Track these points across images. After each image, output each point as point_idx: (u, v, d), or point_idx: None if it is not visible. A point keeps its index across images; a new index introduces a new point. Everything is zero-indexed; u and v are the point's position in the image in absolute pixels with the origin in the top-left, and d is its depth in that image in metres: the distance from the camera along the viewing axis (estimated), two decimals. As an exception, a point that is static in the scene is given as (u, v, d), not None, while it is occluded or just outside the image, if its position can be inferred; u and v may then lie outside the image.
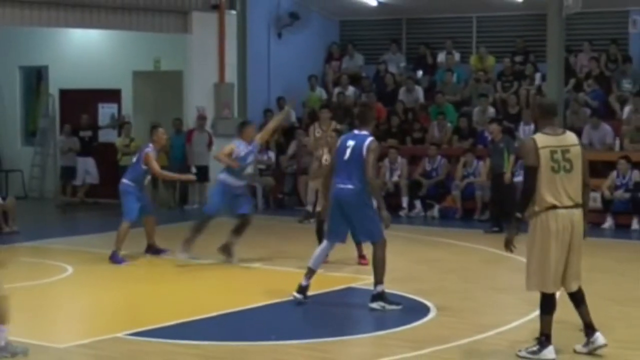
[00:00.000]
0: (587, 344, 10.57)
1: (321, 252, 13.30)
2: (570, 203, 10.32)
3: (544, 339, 10.39)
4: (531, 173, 10.39)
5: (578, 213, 10.39)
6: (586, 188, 10.63)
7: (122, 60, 26.33)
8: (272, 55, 26.94)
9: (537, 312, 10.87)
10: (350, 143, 12.81)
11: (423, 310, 12.83)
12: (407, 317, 12.39)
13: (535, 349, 10.41)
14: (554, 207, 10.26)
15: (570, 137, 10.57)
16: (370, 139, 12.81)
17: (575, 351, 10.61)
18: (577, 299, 10.61)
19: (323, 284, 14.68)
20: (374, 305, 12.57)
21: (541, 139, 10.40)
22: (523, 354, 10.45)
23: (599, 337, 10.53)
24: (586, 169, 10.64)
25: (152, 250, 17.39)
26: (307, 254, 16.83)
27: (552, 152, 10.29)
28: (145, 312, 13.31)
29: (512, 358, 10.52)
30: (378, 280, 12.71)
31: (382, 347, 11.13)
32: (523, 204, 10.50)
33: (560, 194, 10.27)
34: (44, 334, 12.21)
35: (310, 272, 13.26)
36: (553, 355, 10.32)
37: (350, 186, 12.66)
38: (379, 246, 12.80)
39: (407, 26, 28.10)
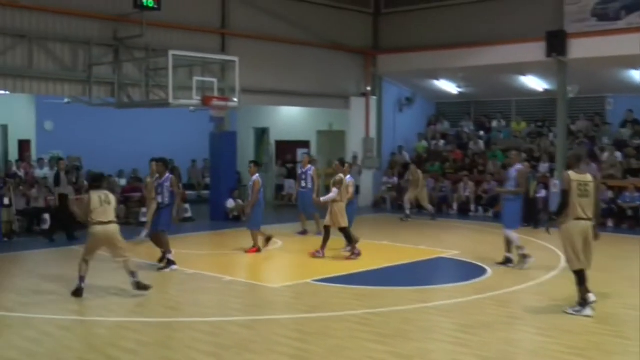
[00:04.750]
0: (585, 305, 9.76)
1: None
2: (585, 217, 9.75)
3: (583, 302, 9.66)
4: (565, 194, 9.81)
5: (590, 224, 9.76)
6: (596, 209, 9.89)
7: (310, 124, 26.69)
8: (396, 122, 26.86)
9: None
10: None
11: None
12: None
13: (578, 308, 9.72)
14: (579, 218, 9.73)
15: (588, 176, 9.94)
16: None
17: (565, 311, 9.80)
18: (584, 276, 9.81)
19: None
20: None
21: (572, 175, 9.85)
22: (569, 311, 9.72)
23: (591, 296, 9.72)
24: (597, 197, 9.96)
25: (301, 232, 17.61)
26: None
27: (579, 184, 9.73)
28: (323, 267, 13.16)
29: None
30: None
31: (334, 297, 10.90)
32: (560, 212, 9.80)
33: (582, 211, 9.72)
34: (266, 278, 12.79)
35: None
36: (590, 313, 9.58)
37: None
38: None
39: (475, 105, 27.77)
